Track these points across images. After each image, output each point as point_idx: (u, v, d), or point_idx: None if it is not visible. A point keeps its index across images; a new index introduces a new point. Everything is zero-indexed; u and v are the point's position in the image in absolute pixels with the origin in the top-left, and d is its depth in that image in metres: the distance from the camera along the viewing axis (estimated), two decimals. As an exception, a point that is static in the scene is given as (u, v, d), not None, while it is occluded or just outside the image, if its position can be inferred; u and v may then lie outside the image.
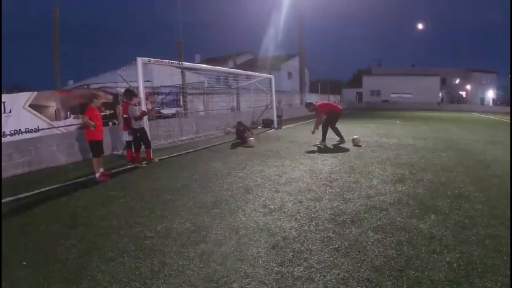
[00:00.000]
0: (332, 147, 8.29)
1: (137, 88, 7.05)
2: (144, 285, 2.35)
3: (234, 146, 8.78)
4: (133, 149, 6.64)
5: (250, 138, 9.11)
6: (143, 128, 6.56)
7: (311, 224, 3.37)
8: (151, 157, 6.73)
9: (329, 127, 8.74)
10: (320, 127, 8.80)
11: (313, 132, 8.95)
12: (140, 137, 6.50)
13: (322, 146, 8.38)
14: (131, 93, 6.46)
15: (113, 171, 6.02)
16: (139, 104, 6.73)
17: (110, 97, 8.81)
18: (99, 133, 5.46)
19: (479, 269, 2.47)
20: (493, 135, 11.46)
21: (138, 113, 6.33)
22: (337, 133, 8.77)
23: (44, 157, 6.54)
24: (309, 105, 9.10)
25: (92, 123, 5.29)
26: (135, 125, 6.41)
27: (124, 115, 6.60)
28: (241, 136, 9.46)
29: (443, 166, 5.95)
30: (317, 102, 9.92)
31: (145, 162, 6.59)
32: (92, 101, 5.56)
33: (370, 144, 8.61)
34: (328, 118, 8.78)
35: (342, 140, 8.66)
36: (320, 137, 8.77)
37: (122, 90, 7.97)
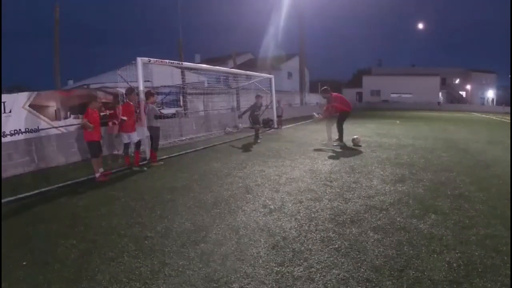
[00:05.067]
0: (337, 147, 8.29)
1: (137, 88, 7.04)
2: (144, 285, 2.35)
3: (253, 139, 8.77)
4: (149, 148, 6.80)
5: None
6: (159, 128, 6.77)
7: (311, 224, 3.37)
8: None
9: (342, 126, 8.49)
10: (329, 124, 8.59)
11: (318, 119, 8.89)
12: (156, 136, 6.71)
13: (340, 147, 8.15)
14: (148, 93, 6.75)
15: (113, 171, 6.02)
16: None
17: (110, 97, 8.80)
18: (96, 134, 5.52)
19: (479, 269, 2.47)
20: (493, 135, 11.46)
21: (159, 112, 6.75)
22: (342, 132, 8.61)
23: (44, 157, 6.54)
24: (325, 91, 8.58)
25: (91, 125, 5.36)
26: (156, 123, 6.61)
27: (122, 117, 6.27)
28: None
29: (443, 166, 5.95)
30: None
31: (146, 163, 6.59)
32: (90, 103, 5.61)
33: (370, 144, 8.60)
34: (341, 116, 8.52)
35: (340, 141, 8.57)
36: (327, 139, 8.66)
37: (122, 90, 7.97)
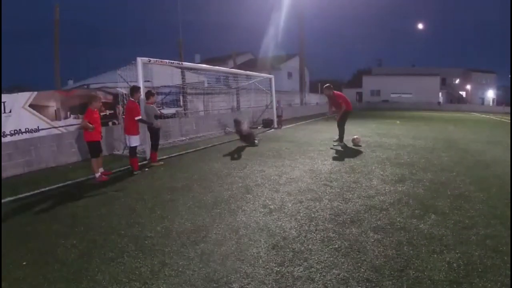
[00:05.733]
0: (337, 147, 8.29)
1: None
2: (144, 285, 2.35)
3: (237, 146, 8.78)
4: (150, 149, 6.73)
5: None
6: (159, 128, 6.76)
7: (311, 224, 3.37)
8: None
9: (343, 126, 8.48)
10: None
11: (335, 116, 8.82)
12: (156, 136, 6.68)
13: (340, 147, 8.12)
14: (148, 93, 6.66)
15: (113, 171, 6.02)
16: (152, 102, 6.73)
17: (110, 97, 8.80)
18: (97, 134, 5.49)
19: (479, 269, 2.47)
20: (493, 135, 11.46)
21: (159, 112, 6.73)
22: (343, 132, 8.58)
23: (44, 157, 6.54)
24: (328, 88, 8.39)
25: (91, 125, 5.33)
26: (157, 124, 6.59)
27: (137, 117, 5.89)
28: (242, 134, 8.78)
29: (443, 166, 5.95)
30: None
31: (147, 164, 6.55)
32: (90, 103, 5.57)
33: (370, 144, 8.60)
34: (343, 115, 8.49)
35: (340, 141, 8.55)
36: (331, 139, 8.67)
37: (123, 90, 7.97)
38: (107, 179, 5.41)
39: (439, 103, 41.10)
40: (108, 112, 8.66)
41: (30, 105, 6.81)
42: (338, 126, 8.58)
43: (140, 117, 5.97)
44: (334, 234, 3.12)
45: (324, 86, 8.69)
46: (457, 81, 51.25)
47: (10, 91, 9.89)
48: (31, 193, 4.76)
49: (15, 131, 6.48)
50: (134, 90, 6.19)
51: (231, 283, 2.34)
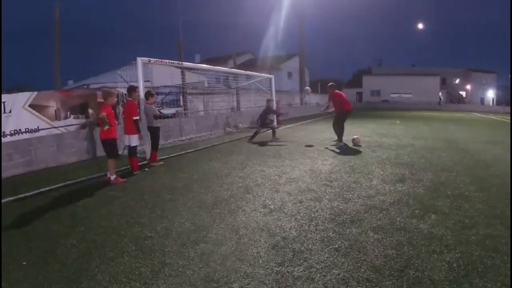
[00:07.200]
0: (337, 147, 8.29)
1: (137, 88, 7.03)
2: (144, 285, 2.35)
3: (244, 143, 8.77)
4: (150, 149, 6.70)
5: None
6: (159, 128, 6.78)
7: (311, 224, 3.37)
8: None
9: (342, 125, 8.54)
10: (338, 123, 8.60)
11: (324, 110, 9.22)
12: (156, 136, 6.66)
13: (340, 147, 8.10)
14: (148, 93, 6.67)
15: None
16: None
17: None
18: (114, 131, 5.23)
19: (479, 269, 2.47)
20: (493, 135, 11.45)
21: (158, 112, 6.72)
22: (341, 132, 8.62)
23: (44, 157, 6.54)
24: (330, 87, 8.80)
25: (108, 121, 5.05)
26: (156, 123, 6.61)
27: (135, 117, 5.78)
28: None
29: (443, 166, 5.95)
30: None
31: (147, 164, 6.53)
32: (106, 99, 5.40)
33: (370, 144, 8.60)
34: (340, 115, 8.55)
35: (339, 141, 8.57)
36: (333, 139, 8.71)
37: (123, 90, 7.97)
38: (119, 181, 5.17)
39: (439, 102, 41.07)
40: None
41: (30, 105, 6.81)
42: (337, 125, 8.62)
43: (137, 117, 5.85)
44: (334, 234, 3.12)
45: (328, 85, 8.98)
46: (457, 81, 51.24)
47: (10, 91, 9.89)
48: (31, 193, 4.75)
49: (15, 131, 6.49)
50: (131, 90, 6.15)
51: (231, 283, 2.34)
